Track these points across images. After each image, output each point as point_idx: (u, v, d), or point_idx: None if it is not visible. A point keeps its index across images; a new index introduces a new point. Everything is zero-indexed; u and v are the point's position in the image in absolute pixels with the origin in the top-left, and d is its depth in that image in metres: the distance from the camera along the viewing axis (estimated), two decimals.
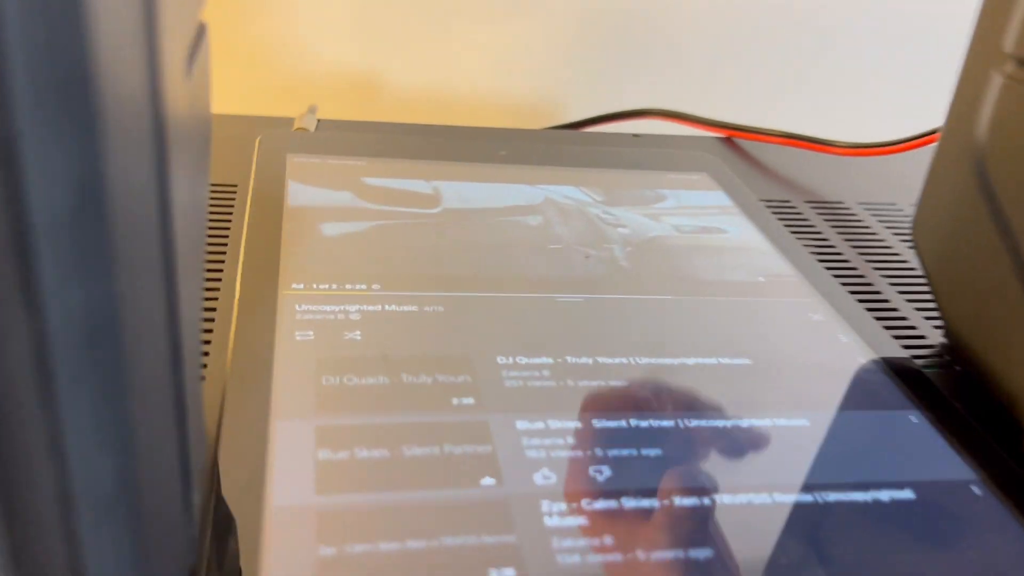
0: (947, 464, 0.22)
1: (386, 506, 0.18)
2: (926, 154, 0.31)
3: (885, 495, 0.21)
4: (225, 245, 0.28)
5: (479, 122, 0.49)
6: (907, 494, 0.21)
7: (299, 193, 0.30)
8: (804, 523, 0.20)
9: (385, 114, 0.52)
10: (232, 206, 0.31)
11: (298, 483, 0.19)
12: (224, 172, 0.33)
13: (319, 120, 0.38)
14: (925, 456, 0.22)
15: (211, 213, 0.31)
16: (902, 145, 0.38)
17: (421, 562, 0.17)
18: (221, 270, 0.27)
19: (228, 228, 0.29)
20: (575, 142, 0.41)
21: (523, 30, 0.51)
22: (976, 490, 0.22)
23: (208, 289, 0.26)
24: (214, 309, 0.25)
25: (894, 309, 0.31)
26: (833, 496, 0.21)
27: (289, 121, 0.37)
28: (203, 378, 0.22)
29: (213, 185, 0.32)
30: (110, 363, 0.11)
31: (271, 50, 0.49)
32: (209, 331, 0.24)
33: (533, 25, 0.51)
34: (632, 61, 0.53)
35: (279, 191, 0.30)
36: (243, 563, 0.17)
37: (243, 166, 0.32)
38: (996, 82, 0.23)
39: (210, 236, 0.29)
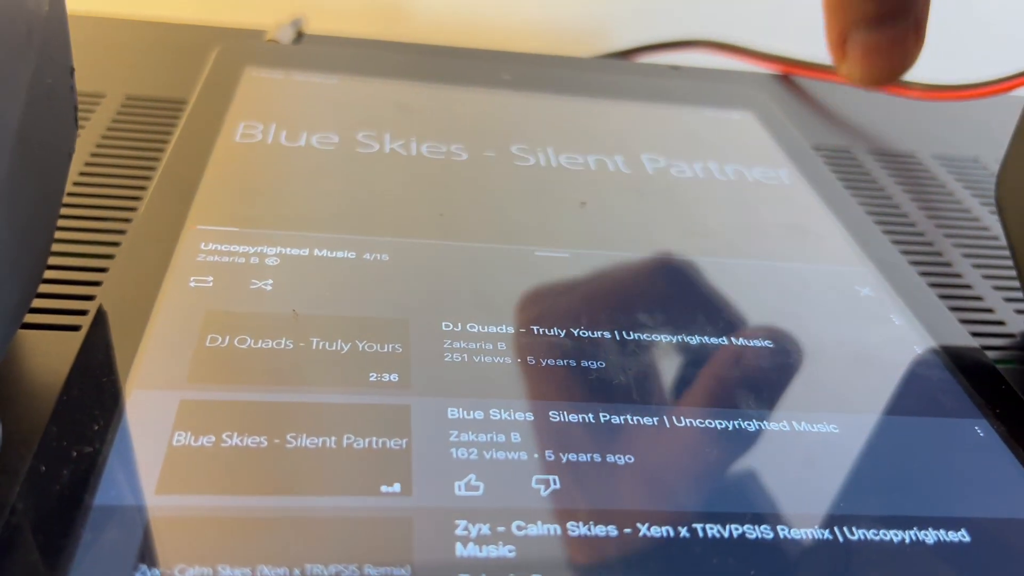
0: (1020, 494, 0.17)
1: (245, 514, 0.14)
2: (1018, 100, 0.24)
3: (931, 536, 0.16)
4: (154, 170, 0.24)
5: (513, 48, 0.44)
6: (961, 536, 0.16)
7: (245, 112, 0.25)
8: (816, 568, 0.15)
9: (407, 38, 0.46)
10: (175, 126, 0.26)
11: (137, 475, 0.14)
12: (176, 86, 0.28)
13: (306, 35, 0.33)
14: (990, 482, 0.17)
15: (150, 132, 0.26)
16: (990, 87, 0.31)
17: None
18: (139, 198, 0.23)
19: (162, 151, 0.25)
20: (595, 70, 0.35)
21: None
22: None
23: (119, 220, 0.22)
24: (117, 244, 0.21)
25: (967, 287, 0.25)
26: (858, 533, 0.15)
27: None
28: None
29: (158, 100, 0.28)
30: None
31: None
32: (103, 270, 0.20)
33: None
34: None
35: (222, 109, 0.25)
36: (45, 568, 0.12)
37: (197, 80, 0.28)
38: None
39: (139, 159, 0.25)
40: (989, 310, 0.24)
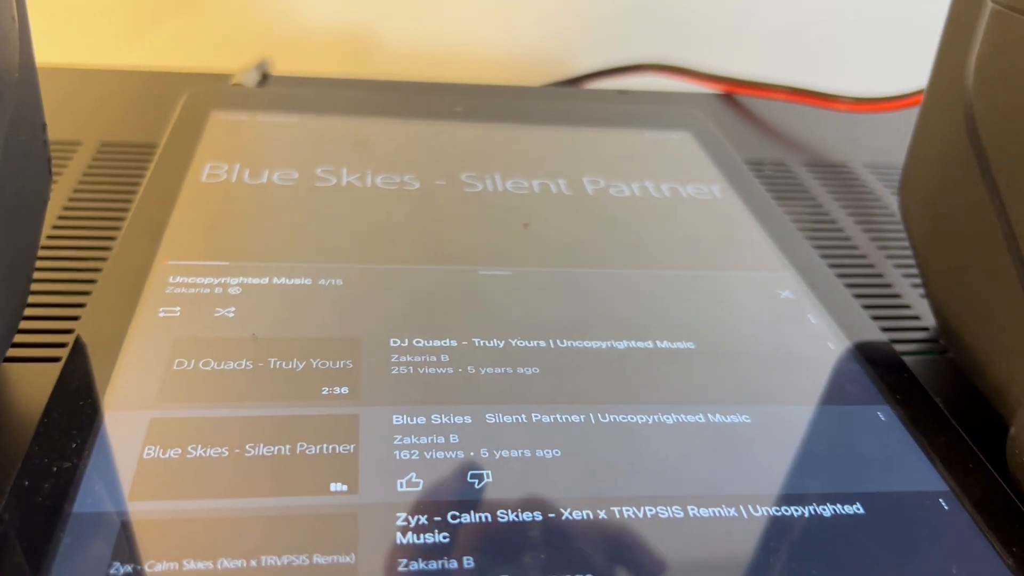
0: (913, 472, 0.19)
1: (207, 515, 0.16)
2: None
3: (828, 510, 0.17)
4: (127, 211, 0.26)
5: (476, 80, 0.46)
6: (856, 508, 0.17)
7: (211, 153, 0.27)
8: (723, 540, 0.16)
9: (374, 74, 0.48)
10: (146, 168, 0.28)
11: (111, 486, 0.16)
12: (147, 131, 0.30)
13: (272, 76, 0.35)
14: (887, 460, 0.19)
15: (123, 176, 0.28)
16: (918, 96, 0.33)
17: None
18: (114, 238, 0.24)
19: (135, 192, 0.27)
20: (545, 98, 0.38)
21: None
22: (944, 504, 0.18)
23: (96, 258, 0.24)
24: (94, 281, 0.23)
25: (888, 285, 0.27)
26: (761, 510, 0.17)
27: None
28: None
29: (131, 145, 0.30)
30: None
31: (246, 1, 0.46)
32: (81, 305, 0.22)
33: None
34: (637, 13, 0.49)
35: (190, 151, 0.27)
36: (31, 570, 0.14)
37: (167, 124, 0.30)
38: (987, 9, 0.19)
39: (114, 200, 0.27)
40: (906, 306, 0.26)
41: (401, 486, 0.17)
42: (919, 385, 0.21)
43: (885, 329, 0.24)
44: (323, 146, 0.29)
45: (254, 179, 0.26)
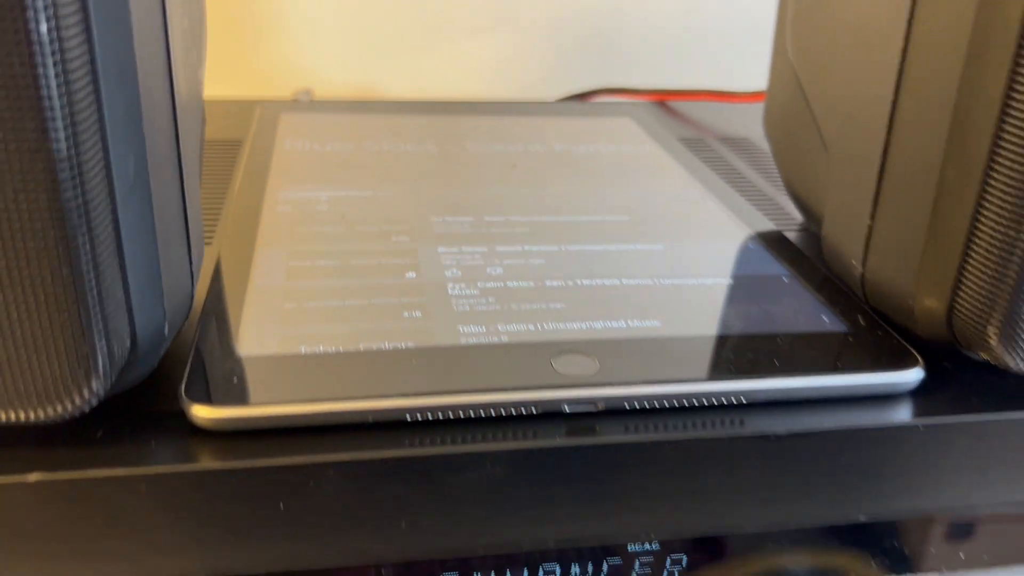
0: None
1: (333, 286, 0.26)
2: None
3: (710, 281, 0.28)
4: (234, 170, 0.37)
5: None
6: (729, 281, 0.28)
7: (287, 135, 0.39)
8: (648, 297, 0.27)
9: None
10: (242, 150, 0.39)
11: (273, 277, 0.26)
12: (235, 131, 0.41)
13: (314, 101, 0.47)
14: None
15: (220, 157, 0.39)
16: None
17: (356, 315, 0.25)
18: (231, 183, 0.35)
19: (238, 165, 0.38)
20: (526, 106, 0.49)
21: (506, 43, 0.59)
22: (785, 280, 0.29)
23: (215, 195, 0.34)
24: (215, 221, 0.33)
25: (772, 199, 0.38)
26: (668, 281, 0.28)
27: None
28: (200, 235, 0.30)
29: (222, 142, 0.41)
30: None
31: (268, 65, 0.58)
32: (216, 214, 0.32)
33: (516, 38, 0.59)
34: (588, 53, 0.61)
35: (272, 134, 0.38)
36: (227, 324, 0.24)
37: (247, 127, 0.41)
38: None
39: (218, 168, 0.37)
40: (782, 207, 0.37)
41: (448, 273, 0.27)
42: (803, 255, 0.32)
43: (773, 222, 0.35)
44: (365, 130, 0.40)
45: (320, 147, 0.37)
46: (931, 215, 0.23)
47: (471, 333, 0.24)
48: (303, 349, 0.23)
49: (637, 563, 0.24)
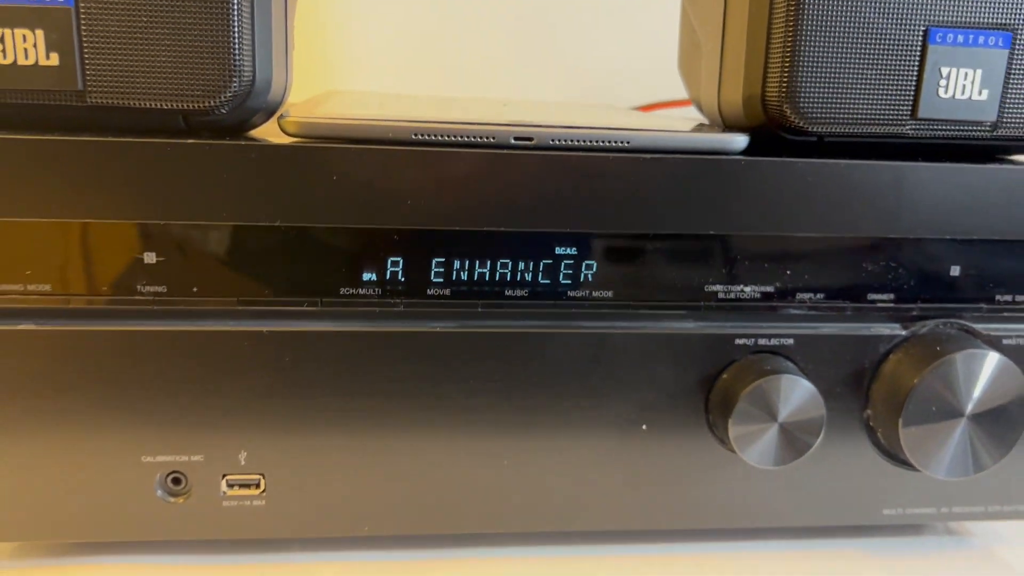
0: (671, 119, 0.43)
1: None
2: None
3: (636, 120, 0.41)
4: None
5: None
6: (652, 118, 0.41)
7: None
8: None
9: None
10: None
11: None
12: None
13: None
14: (663, 117, 0.43)
15: None
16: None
17: (396, 102, 0.39)
18: None
19: None
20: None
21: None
22: (677, 119, 0.42)
23: None
24: None
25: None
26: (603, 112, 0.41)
27: None
28: None
29: None
30: None
31: None
32: None
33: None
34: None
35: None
36: None
37: None
38: None
39: None
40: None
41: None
42: (693, 119, 0.45)
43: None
44: (404, 101, 0.55)
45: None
46: (747, 52, 0.37)
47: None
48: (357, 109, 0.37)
49: (562, 266, 0.36)
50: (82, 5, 0.31)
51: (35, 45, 0.31)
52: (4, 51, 0.31)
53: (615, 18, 0.72)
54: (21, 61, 0.31)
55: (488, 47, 0.71)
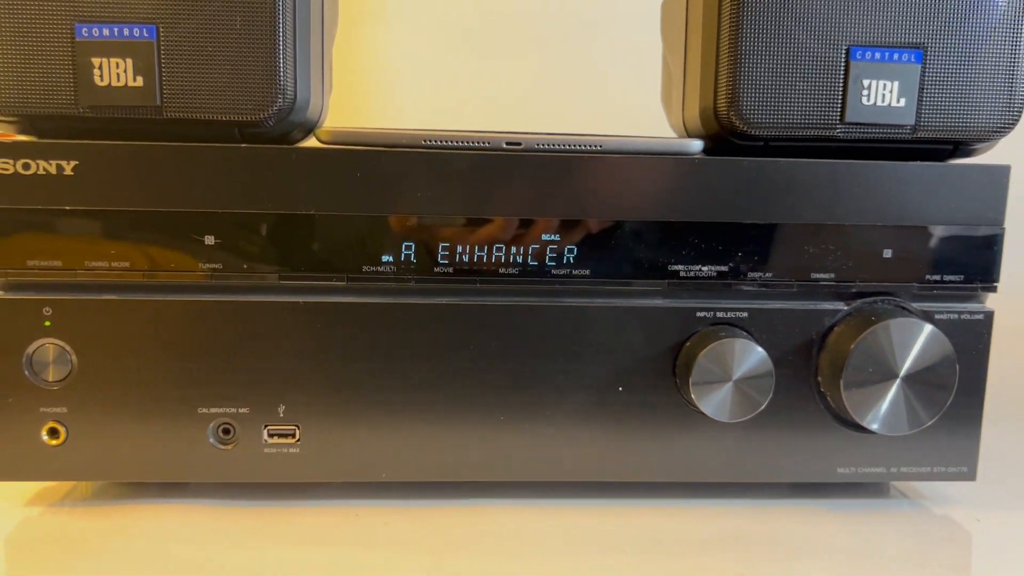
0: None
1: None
2: None
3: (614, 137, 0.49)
4: None
5: None
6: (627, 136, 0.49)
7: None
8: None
9: None
10: None
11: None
12: None
13: None
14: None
15: None
16: None
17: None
18: None
19: None
20: None
21: None
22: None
23: None
24: None
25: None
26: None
27: None
28: None
29: None
30: None
31: None
32: None
33: None
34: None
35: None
36: None
37: None
38: None
39: None
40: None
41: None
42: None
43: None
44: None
45: None
46: (702, 72, 0.44)
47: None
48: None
49: (548, 250, 0.43)
50: (162, 39, 0.40)
51: (125, 71, 0.40)
52: (102, 75, 0.40)
53: (634, 58, 0.80)
54: (114, 84, 0.40)
55: (514, 88, 0.79)
